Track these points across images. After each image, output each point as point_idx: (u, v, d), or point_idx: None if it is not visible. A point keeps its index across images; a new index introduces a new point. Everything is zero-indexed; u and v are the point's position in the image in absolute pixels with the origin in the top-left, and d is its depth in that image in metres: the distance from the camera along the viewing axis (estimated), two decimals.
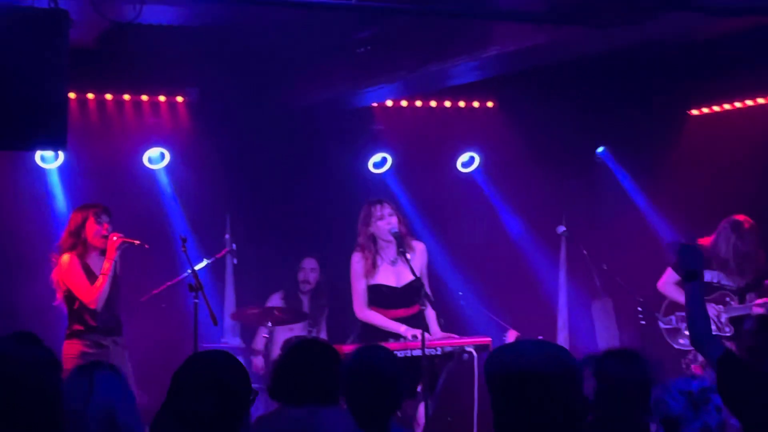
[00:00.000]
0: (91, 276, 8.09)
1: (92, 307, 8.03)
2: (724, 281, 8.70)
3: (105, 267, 8.05)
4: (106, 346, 8.12)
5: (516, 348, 3.19)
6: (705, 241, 8.81)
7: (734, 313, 8.57)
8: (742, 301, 8.63)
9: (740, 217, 8.69)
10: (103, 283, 8.03)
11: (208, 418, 3.49)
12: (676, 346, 8.81)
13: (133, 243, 8.14)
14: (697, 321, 4.50)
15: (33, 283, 8.88)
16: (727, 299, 8.63)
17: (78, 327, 8.09)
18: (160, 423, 3.56)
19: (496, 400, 3.08)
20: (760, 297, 8.51)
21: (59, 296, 8.16)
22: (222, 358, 3.74)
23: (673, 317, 8.91)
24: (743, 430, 4.45)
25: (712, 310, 8.64)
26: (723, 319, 8.64)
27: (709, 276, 8.78)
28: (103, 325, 8.13)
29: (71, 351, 8.00)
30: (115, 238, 8.07)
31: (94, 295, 8.02)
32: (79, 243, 8.12)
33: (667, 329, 8.91)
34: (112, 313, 8.21)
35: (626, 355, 4.83)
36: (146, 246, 8.23)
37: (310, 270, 10.17)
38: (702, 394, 3.58)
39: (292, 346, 5.03)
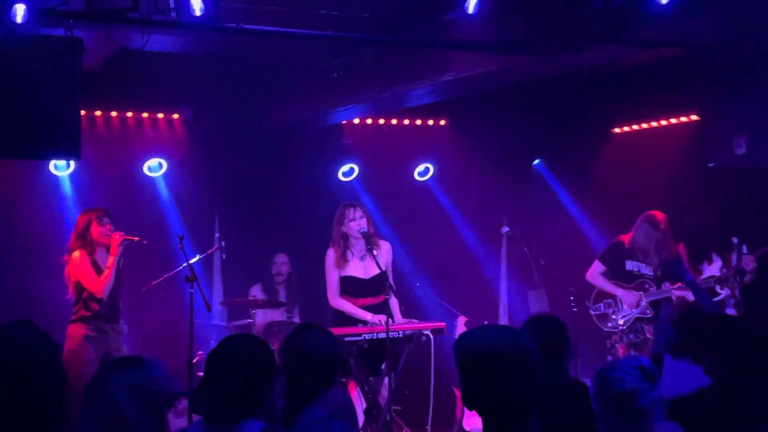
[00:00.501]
0: (98, 270, 8.05)
1: (99, 296, 7.99)
2: (644, 270, 8.76)
3: (109, 261, 8.03)
4: (107, 332, 8.06)
5: (481, 332, 3.18)
6: (625, 237, 8.87)
7: (654, 297, 8.66)
8: (659, 287, 8.69)
9: (654, 212, 8.77)
10: (108, 276, 8.00)
11: (236, 394, 3.44)
12: (605, 329, 8.85)
13: (133, 240, 8.12)
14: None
15: (46, 276, 8.78)
16: (646, 286, 8.67)
17: (84, 313, 8.03)
18: (196, 400, 3.52)
19: (465, 377, 3.07)
20: (673, 284, 8.57)
21: (70, 289, 8.11)
22: (248, 343, 3.70)
23: (601, 304, 8.95)
24: None
25: (634, 295, 8.70)
26: (644, 303, 8.70)
27: (630, 265, 8.85)
28: (106, 312, 8.07)
29: (77, 333, 7.97)
30: (117, 237, 8.03)
31: (100, 285, 7.99)
32: (86, 243, 8.08)
33: (596, 315, 8.96)
34: (114, 303, 8.16)
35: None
36: (144, 242, 8.22)
37: (281, 264, 10.12)
38: (653, 368, 3.53)
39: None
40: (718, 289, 8.98)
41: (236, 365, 3.47)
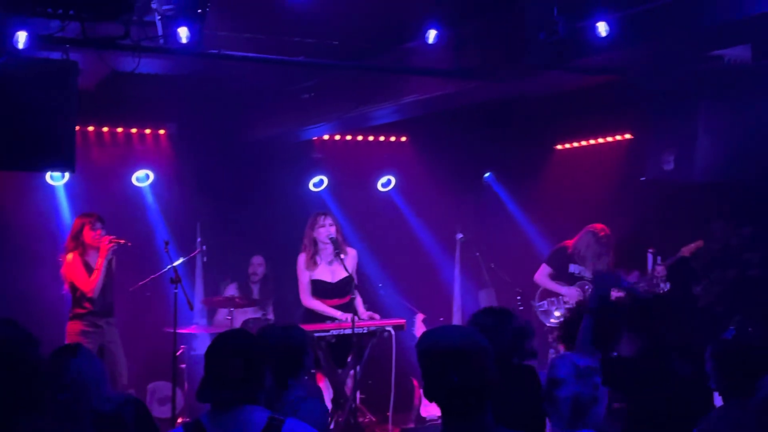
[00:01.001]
0: (90, 270, 7.99)
1: (89, 295, 7.93)
2: (585, 273, 8.83)
3: (99, 263, 7.97)
4: (101, 326, 8.01)
5: (440, 331, 3.22)
6: (569, 242, 8.94)
7: None
8: None
9: (598, 226, 8.85)
10: (97, 276, 7.95)
11: (239, 378, 3.44)
12: (547, 324, 8.90)
13: (120, 242, 8.07)
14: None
15: (43, 277, 8.73)
16: (586, 287, 8.75)
17: (79, 310, 7.99)
18: (203, 390, 3.48)
19: (426, 371, 3.09)
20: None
21: (66, 287, 8.07)
22: (242, 334, 3.75)
23: (545, 302, 9.01)
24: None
25: (577, 293, 8.76)
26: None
27: (573, 268, 8.93)
28: (99, 309, 8.01)
29: (74, 329, 7.93)
30: (106, 240, 7.99)
31: (91, 285, 7.93)
32: (79, 245, 8.03)
33: (541, 311, 9.01)
34: (107, 300, 8.10)
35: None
36: (129, 244, 8.18)
37: (257, 264, 10.07)
38: (586, 370, 3.58)
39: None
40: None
41: (236, 353, 3.47)
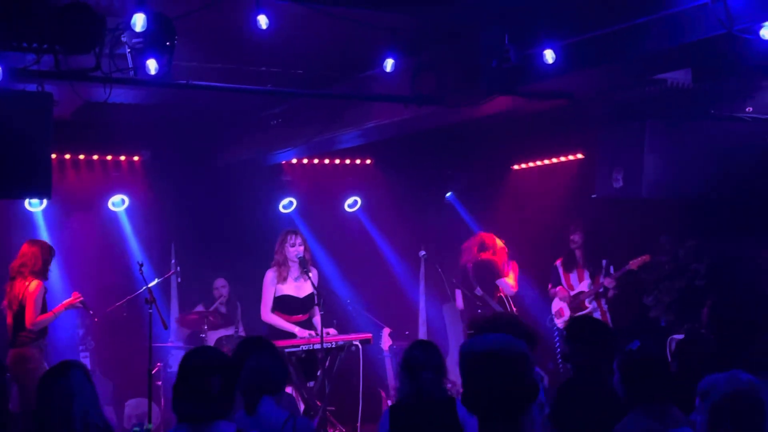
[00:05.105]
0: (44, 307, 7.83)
1: (28, 327, 7.68)
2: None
3: (57, 309, 7.86)
4: (42, 348, 7.81)
5: (481, 337, 3.08)
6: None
7: None
8: None
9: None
10: (46, 318, 7.78)
11: (215, 394, 3.46)
12: None
13: (84, 307, 8.06)
14: None
15: None
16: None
17: (33, 336, 7.74)
18: (179, 403, 3.49)
19: (465, 378, 2.97)
20: None
21: (12, 306, 7.85)
22: (218, 351, 3.76)
23: None
24: None
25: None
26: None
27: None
28: (41, 332, 7.84)
29: (34, 353, 7.70)
30: (76, 296, 7.96)
31: (37, 323, 7.71)
32: (45, 275, 7.89)
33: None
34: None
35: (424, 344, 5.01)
36: (91, 312, 8.18)
37: (221, 287, 10.06)
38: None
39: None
40: (586, 302, 9.26)
41: (214, 369, 3.48)
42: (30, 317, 7.67)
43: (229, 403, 3.51)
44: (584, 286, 9.31)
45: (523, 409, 2.89)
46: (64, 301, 7.95)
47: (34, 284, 7.74)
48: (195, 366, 3.52)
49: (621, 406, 4.25)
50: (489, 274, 9.38)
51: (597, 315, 9.22)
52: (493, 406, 2.88)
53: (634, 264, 8.93)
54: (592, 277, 9.30)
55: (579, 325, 5.07)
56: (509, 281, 9.39)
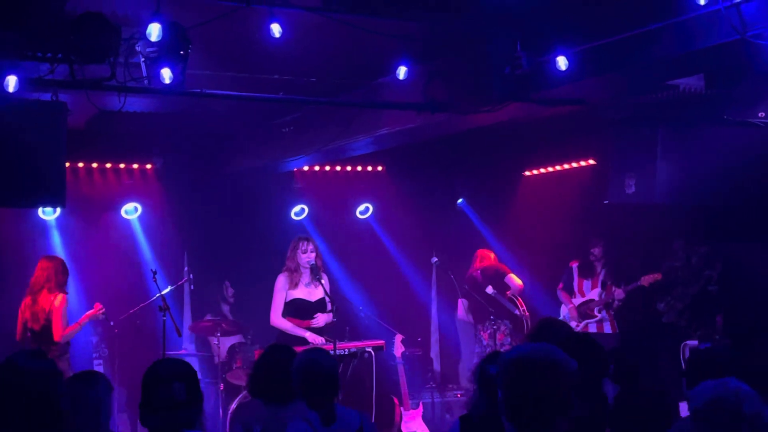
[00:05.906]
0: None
1: (56, 340, 7.77)
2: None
3: (81, 320, 7.92)
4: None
5: (523, 346, 3.09)
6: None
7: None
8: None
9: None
10: (71, 331, 7.83)
11: (182, 402, 3.45)
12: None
13: (105, 316, 8.15)
14: None
15: None
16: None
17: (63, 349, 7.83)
18: (146, 414, 3.47)
19: (504, 385, 2.94)
20: None
21: (39, 320, 7.87)
22: (182, 362, 3.70)
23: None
24: None
25: None
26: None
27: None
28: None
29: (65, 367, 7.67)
30: (98, 307, 8.00)
31: (65, 336, 7.80)
32: (64, 289, 7.92)
33: None
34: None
35: None
36: (111, 323, 8.28)
37: (229, 286, 10.13)
38: None
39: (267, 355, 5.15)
40: (596, 311, 9.24)
41: (178, 377, 3.47)
42: (58, 330, 7.72)
43: (197, 413, 3.49)
44: (595, 294, 9.29)
45: (556, 418, 2.85)
46: (88, 312, 7.98)
47: (60, 298, 7.80)
48: (158, 375, 3.50)
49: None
50: (497, 272, 9.78)
51: (606, 323, 9.24)
52: (528, 411, 2.85)
53: (645, 281, 8.97)
54: (604, 286, 9.28)
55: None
56: (516, 279, 9.67)
